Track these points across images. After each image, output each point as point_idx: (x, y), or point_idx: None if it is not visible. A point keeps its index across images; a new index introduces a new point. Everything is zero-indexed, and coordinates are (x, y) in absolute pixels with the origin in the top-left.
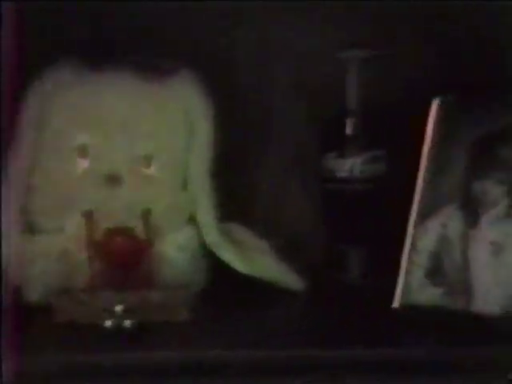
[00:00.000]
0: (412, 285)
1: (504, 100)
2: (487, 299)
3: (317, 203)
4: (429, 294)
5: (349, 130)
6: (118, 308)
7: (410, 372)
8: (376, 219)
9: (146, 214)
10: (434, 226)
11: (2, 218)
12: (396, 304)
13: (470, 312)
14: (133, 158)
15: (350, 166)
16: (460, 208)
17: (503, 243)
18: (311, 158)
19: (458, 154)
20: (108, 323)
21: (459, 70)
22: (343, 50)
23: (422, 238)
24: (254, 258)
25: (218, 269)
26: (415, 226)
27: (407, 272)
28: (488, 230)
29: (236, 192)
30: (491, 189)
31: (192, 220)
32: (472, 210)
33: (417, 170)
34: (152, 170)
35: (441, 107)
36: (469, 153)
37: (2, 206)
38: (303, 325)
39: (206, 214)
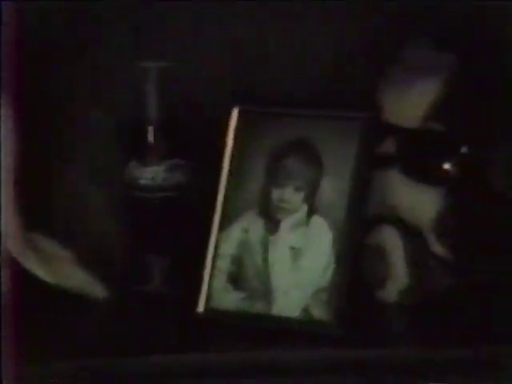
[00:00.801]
0: (215, 290)
1: (298, 114)
2: (287, 302)
3: (120, 212)
4: (231, 299)
5: (150, 138)
6: None
7: (217, 376)
8: (180, 226)
9: None
10: (236, 231)
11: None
12: (200, 309)
13: (271, 315)
14: None
15: (152, 173)
16: (260, 214)
17: (302, 248)
18: (114, 166)
19: (258, 162)
20: None
21: (254, 83)
22: (141, 60)
23: (225, 243)
24: (58, 267)
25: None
26: (218, 232)
27: (210, 277)
28: (287, 236)
29: (39, 201)
30: (290, 196)
31: None
32: (272, 216)
33: (219, 176)
34: None
35: (240, 116)
36: (268, 161)
37: None
38: (107, 334)
39: (10, 223)
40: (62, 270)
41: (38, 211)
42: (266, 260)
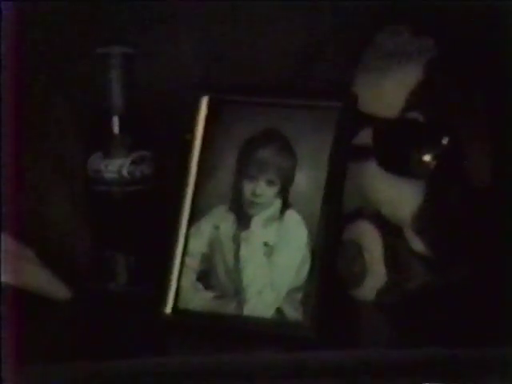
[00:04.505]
0: (184, 289)
1: (270, 103)
2: (259, 302)
3: (83, 207)
4: (201, 298)
5: (115, 129)
6: None
7: (185, 381)
8: (146, 222)
9: None
10: (206, 227)
11: None
12: (167, 309)
13: (243, 316)
14: None
15: (117, 166)
16: (232, 209)
17: (275, 244)
18: (76, 158)
19: (229, 153)
20: None
21: (229, 71)
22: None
23: (194, 240)
24: (19, 268)
25: None
26: (187, 228)
27: (179, 276)
28: (260, 232)
29: None
30: (262, 190)
31: None
32: (244, 211)
33: (188, 169)
34: None
35: (210, 105)
36: (239, 153)
37: None
38: (66, 336)
39: None
40: (23, 270)
41: None
42: (237, 257)
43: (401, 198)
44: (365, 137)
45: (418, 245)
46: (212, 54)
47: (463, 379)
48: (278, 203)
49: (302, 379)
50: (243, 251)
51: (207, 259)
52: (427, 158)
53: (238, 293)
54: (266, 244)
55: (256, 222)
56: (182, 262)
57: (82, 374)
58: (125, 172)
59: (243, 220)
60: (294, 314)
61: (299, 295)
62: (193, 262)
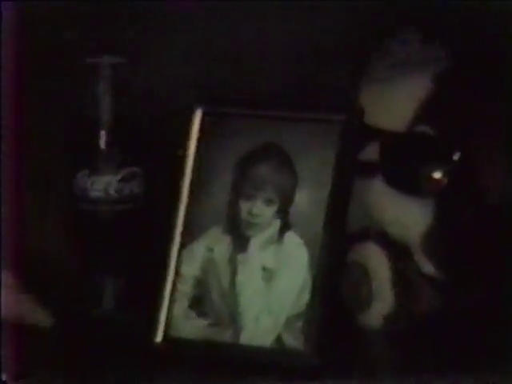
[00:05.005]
0: (175, 316)
1: (268, 116)
2: (257, 330)
3: (68, 227)
4: (194, 326)
5: (102, 144)
6: None
7: None
8: (135, 244)
9: None
10: (199, 250)
11: None
12: (158, 338)
13: (239, 345)
14: None
15: (104, 184)
16: (227, 230)
17: (274, 268)
18: (62, 176)
19: (224, 170)
20: None
21: (219, 81)
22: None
23: (187, 264)
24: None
25: None
26: (179, 250)
27: (170, 302)
28: (258, 255)
29: None
30: (260, 210)
31: None
32: (240, 233)
33: (180, 187)
34: None
35: (204, 118)
36: (234, 169)
37: None
38: (53, 364)
39: None
40: (3, 297)
41: None
42: (233, 282)
43: (409, 217)
44: (371, 152)
45: (427, 267)
46: (206, 64)
47: None
48: (276, 224)
49: None
50: (240, 275)
51: (200, 284)
52: (437, 174)
53: (234, 320)
54: (264, 268)
55: (253, 244)
56: (174, 287)
57: None
58: (112, 190)
59: (240, 242)
60: (294, 342)
61: (300, 322)
62: (185, 287)
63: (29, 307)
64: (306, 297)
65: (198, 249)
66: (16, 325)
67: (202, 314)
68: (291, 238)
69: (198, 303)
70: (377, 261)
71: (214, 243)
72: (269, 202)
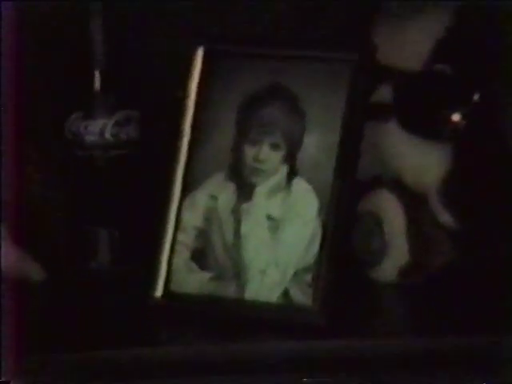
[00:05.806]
0: (176, 269)
1: (274, 54)
2: (263, 284)
3: (61, 175)
4: (196, 280)
5: (97, 85)
6: None
7: (178, 374)
8: (133, 192)
9: None
10: (201, 199)
11: None
12: (158, 293)
13: (244, 300)
14: None
15: (99, 128)
16: (231, 177)
17: (281, 218)
18: (53, 119)
19: (227, 113)
20: None
21: (222, 18)
22: None
23: (188, 213)
24: None
25: None
26: (180, 199)
27: (171, 254)
28: (264, 203)
29: None
30: (266, 155)
31: None
32: (245, 180)
33: (180, 131)
34: None
35: (206, 57)
36: (239, 113)
37: None
38: (44, 322)
39: None
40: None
41: None
42: (237, 233)
43: (425, 163)
44: (384, 93)
45: (444, 217)
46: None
47: (488, 370)
48: (284, 170)
49: (310, 371)
50: (244, 226)
51: (203, 235)
52: (456, 116)
53: (239, 273)
54: (270, 217)
55: (259, 192)
56: (174, 239)
57: (63, 367)
58: (107, 134)
59: (244, 190)
60: (301, 297)
61: (308, 276)
62: (186, 239)
63: (19, 260)
64: (314, 249)
65: (200, 197)
66: (12, 279)
67: (204, 266)
68: (299, 184)
69: (200, 255)
70: (390, 210)
71: (217, 191)
72: (275, 146)
